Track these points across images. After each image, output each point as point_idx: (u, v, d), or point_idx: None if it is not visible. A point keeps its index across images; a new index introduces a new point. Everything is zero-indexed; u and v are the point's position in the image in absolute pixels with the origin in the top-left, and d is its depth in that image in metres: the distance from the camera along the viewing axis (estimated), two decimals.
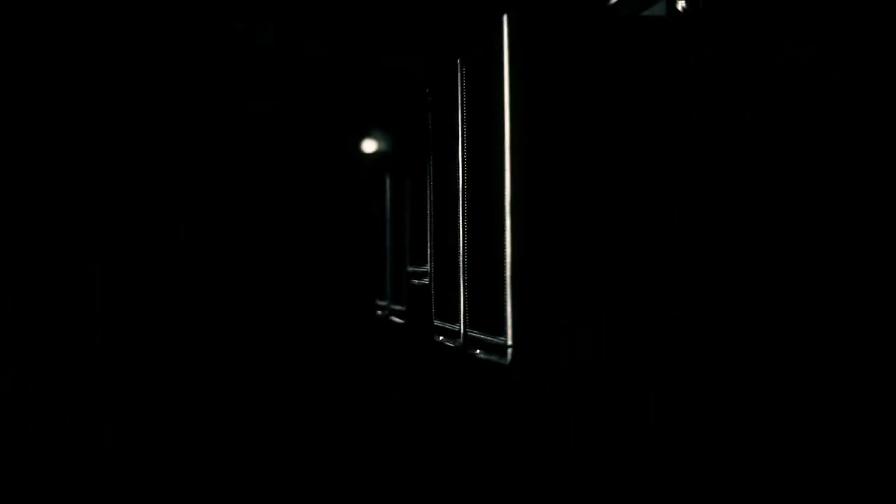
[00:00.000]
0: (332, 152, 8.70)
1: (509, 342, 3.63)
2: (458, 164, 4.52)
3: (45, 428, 7.58)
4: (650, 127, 3.71)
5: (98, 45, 8.05)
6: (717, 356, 3.69)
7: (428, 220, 5.33)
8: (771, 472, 3.68)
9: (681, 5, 4.25)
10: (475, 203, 4.28)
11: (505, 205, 3.64)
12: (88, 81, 8.10)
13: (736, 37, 3.78)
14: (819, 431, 3.70)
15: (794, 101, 3.75)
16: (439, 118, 5.10)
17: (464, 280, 4.46)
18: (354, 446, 7.76)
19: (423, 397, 5.82)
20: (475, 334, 4.22)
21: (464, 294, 4.46)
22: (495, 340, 3.81)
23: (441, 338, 4.97)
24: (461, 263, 4.50)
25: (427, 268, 5.40)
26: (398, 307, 6.72)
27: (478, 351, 4.13)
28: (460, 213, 4.49)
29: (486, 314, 4.01)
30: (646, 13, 4.65)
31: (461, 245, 4.50)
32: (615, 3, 5.00)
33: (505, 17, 3.67)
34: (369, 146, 8.13)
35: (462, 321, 4.48)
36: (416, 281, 5.76)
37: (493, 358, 3.84)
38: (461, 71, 4.47)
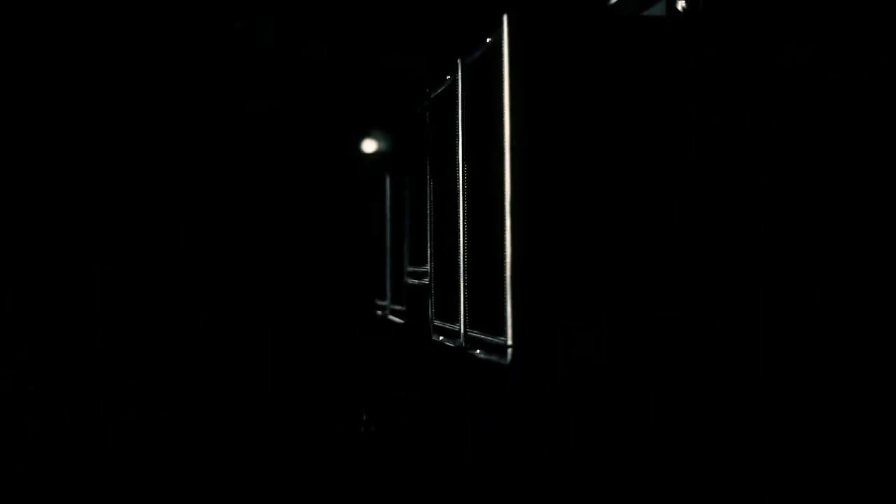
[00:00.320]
0: (332, 152, 8.70)
1: (509, 342, 3.63)
2: (458, 164, 4.52)
3: (45, 428, 7.58)
4: (650, 127, 3.71)
5: (98, 45, 8.05)
6: (717, 356, 3.69)
7: (428, 220, 5.33)
8: (771, 471, 3.68)
9: (681, 5, 4.26)
10: (475, 203, 4.28)
11: (505, 205, 3.64)
12: (89, 81, 8.10)
13: (736, 37, 3.78)
14: (819, 431, 3.70)
15: (794, 101, 3.75)
16: (439, 118, 5.10)
17: (464, 280, 4.46)
18: (354, 446, 7.75)
19: (422, 397, 5.82)
20: (475, 334, 4.22)
21: (464, 294, 4.47)
22: (495, 340, 3.81)
23: (441, 338, 4.97)
24: (461, 263, 4.50)
25: (427, 268, 5.40)
26: (398, 307, 6.72)
27: (478, 351, 4.13)
28: (460, 213, 4.49)
29: (486, 314, 4.01)
30: (646, 13, 4.65)
31: (461, 245, 4.50)
32: (615, 3, 5.00)
33: (505, 17, 3.67)
34: (369, 146, 8.13)
35: (462, 321, 4.48)
36: (416, 281, 5.76)
37: (493, 358, 3.84)
38: (461, 71, 4.47)
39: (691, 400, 3.67)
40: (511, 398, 3.74)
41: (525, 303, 3.61)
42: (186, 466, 6.95)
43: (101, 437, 7.39)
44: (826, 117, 3.75)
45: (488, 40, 3.90)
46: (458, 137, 4.52)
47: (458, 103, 4.53)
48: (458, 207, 4.53)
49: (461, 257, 4.50)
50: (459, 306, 4.51)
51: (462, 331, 4.47)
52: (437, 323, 5.11)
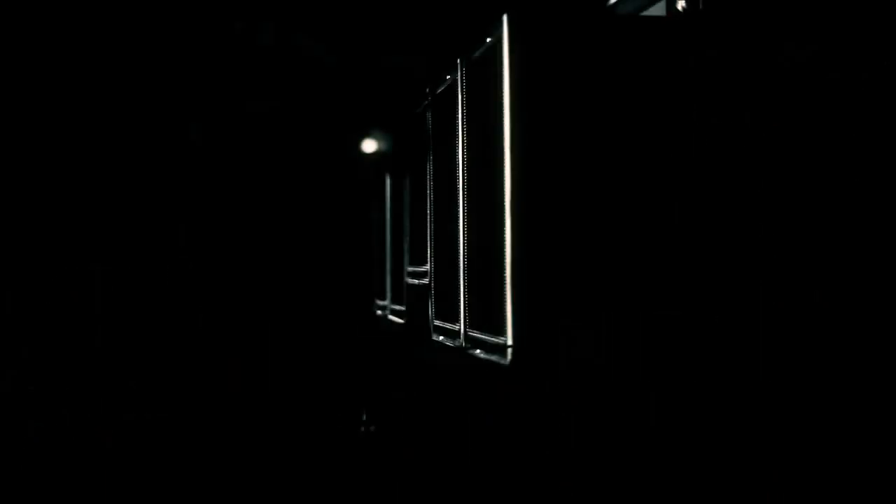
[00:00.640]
0: (332, 152, 8.69)
1: (509, 342, 3.62)
2: (459, 163, 4.52)
3: (45, 428, 7.58)
4: (650, 127, 3.71)
5: (99, 45, 8.05)
6: (717, 356, 3.69)
7: (428, 220, 5.34)
8: (771, 471, 3.68)
9: (681, 5, 4.26)
10: (475, 203, 4.28)
11: (505, 205, 3.64)
12: (89, 81, 8.10)
13: (736, 37, 3.78)
14: (818, 431, 3.70)
15: (794, 101, 3.75)
16: (439, 118, 5.10)
17: (464, 280, 4.46)
18: (354, 446, 7.75)
19: (423, 397, 5.82)
20: (475, 334, 4.22)
21: (464, 294, 4.47)
22: (495, 340, 3.81)
23: (441, 338, 4.97)
24: (461, 263, 4.50)
25: (427, 267, 5.40)
26: (398, 307, 6.72)
27: (478, 351, 4.13)
28: (460, 213, 4.50)
29: (486, 314, 4.01)
30: (646, 13, 4.65)
31: (461, 245, 4.50)
32: (615, 3, 5.00)
33: (505, 17, 3.67)
34: (369, 146, 8.12)
35: (462, 321, 4.48)
36: (416, 281, 5.76)
37: (493, 358, 3.84)
38: (461, 71, 4.47)
39: (692, 400, 3.67)
40: (511, 398, 3.74)
41: (525, 303, 3.61)
42: (186, 466, 6.95)
43: (101, 437, 7.39)
44: (826, 117, 3.75)
45: (488, 40, 3.90)
46: (459, 137, 4.52)
47: (458, 103, 4.53)
48: (458, 207, 4.53)
49: (461, 257, 4.50)
50: (459, 306, 4.51)
51: (462, 331, 4.47)
52: (437, 323, 5.11)
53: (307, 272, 8.62)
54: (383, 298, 7.44)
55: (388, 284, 7.28)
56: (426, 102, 5.39)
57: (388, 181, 7.37)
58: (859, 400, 3.70)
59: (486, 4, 4.59)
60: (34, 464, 6.77)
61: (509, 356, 3.63)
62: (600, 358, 3.64)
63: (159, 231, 8.23)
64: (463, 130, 4.48)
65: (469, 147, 4.40)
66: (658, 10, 4.51)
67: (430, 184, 5.31)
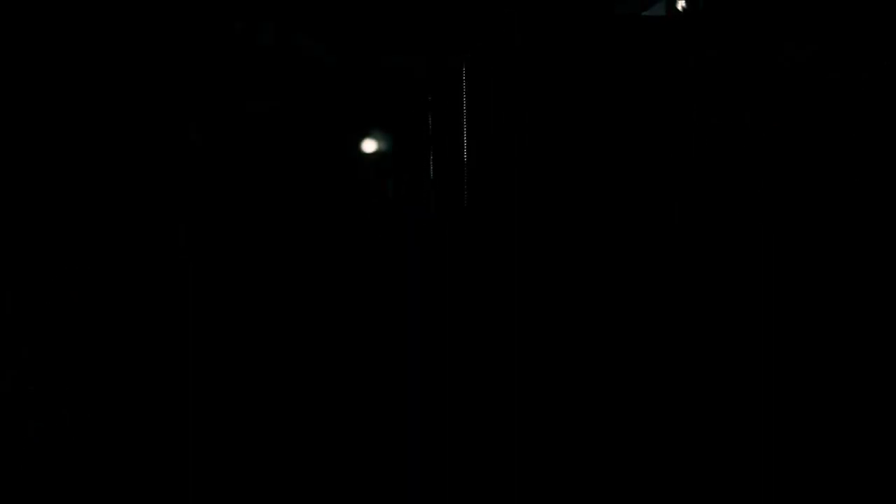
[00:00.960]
0: (332, 152, 8.70)
1: None
2: (459, 163, 4.52)
3: (45, 428, 7.59)
4: (650, 127, 3.72)
5: (99, 45, 8.06)
6: (718, 356, 3.69)
7: None
8: (770, 471, 3.68)
9: (681, 5, 4.26)
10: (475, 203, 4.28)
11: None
12: (89, 81, 8.10)
13: (736, 37, 3.78)
14: (819, 431, 3.70)
15: (794, 101, 3.75)
16: (440, 118, 5.10)
17: None
18: (355, 446, 7.76)
19: (423, 396, 5.82)
20: None
21: None
22: None
23: None
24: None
25: None
26: None
27: None
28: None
29: None
30: (646, 13, 4.66)
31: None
32: (615, 3, 5.00)
33: (505, 17, 3.67)
34: (369, 146, 8.13)
35: None
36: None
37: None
38: (462, 70, 4.47)
39: (692, 400, 3.67)
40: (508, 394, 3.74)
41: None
42: (187, 466, 6.96)
43: (101, 437, 7.39)
44: (826, 117, 3.75)
45: (489, 40, 3.90)
46: (460, 136, 4.52)
47: (458, 103, 4.53)
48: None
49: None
50: None
51: None
52: None
53: (307, 272, 8.62)
54: None
55: None
56: (426, 102, 5.39)
57: (388, 181, 7.37)
58: (859, 399, 3.70)
59: (486, 4, 4.59)
60: (34, 464, 6.78)
61: None
62: (600, 357, 3.64)
63: (159, 231, 8.24)
64: (463, 130, 4.48)
65: (470, 147, 4.39)
66: (658, 10, 4.51)
67: (429, 183, 5.30)
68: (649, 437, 3.66)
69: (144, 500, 5.86)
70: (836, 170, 3.74)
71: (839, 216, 3.74)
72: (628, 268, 3.69)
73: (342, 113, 8.59)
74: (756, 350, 3.70)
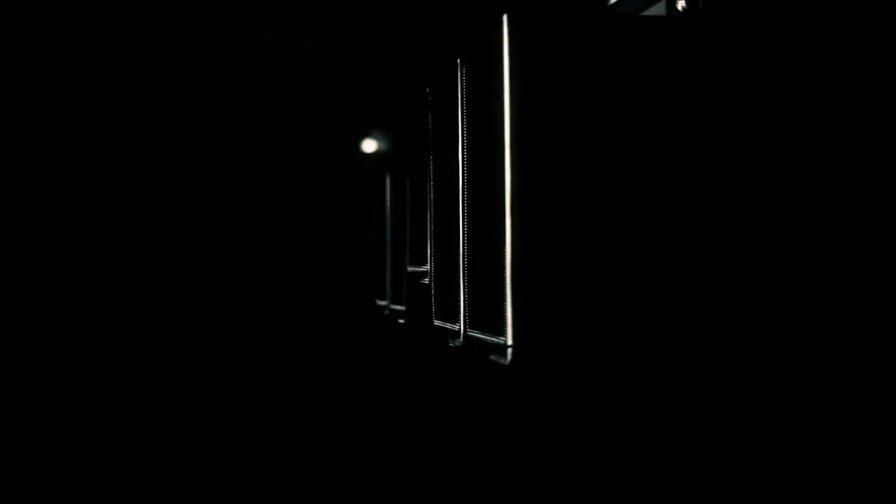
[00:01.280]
0: (332, 152, 8.70)
1: (509, 342, 3.63)
2: (458, 163, 4.52)
3: (45, 428, 7.58)
4: (650, 126, 3.72)
5: (99, 45, 8.05)
6: (720, 356, 3.69)
7: (428, 220, 5.34)
8: (770, 471, 3.68)
9: (681, 5, 4.26)
10: (475, 203, 4.28)
11: (505, 205, 3.64)
12: (89, 81, 8.10)
13: (736, 37, 3.78)
14: (819, 431, 3.70)
15: (794, 101, 3.76)
16: (439, 118, 5.10)
17: (464, 280, 4.46)
18: (354, 446, 7.76)
19: (422, 397, 5.83)
20: (475, 334, 4.22)
21: (464, 294, 4.47)
22: (495, 340, 3.81)
23: (441, 338, 4.98)
24: (461, 263, 4.50)
25: (427, 267, 5.40)
26: (398, 307, 6.72)
27: (478, 351, 4.13)
28: (460, 213, 4.50)
29: (486, 314, 4.01)
30: (646, 13, 4.66)
31: (461, 245, 4.50)
32: (615, 3, 5.00)
33: (505, 17, 3.67)
34: (369, 146, 8.13)
35: (462, 321, 4.48)
36: (416, 281, 5.77)
37: (493, 358, 3.85)
38: (461, 71, 4.47)
39: (692, 400, 3.67)
40: (511, 398, 3.74)
41: (525, 303, 3.62)
42: (187, 466, 6.95)
43: (101, 437, 7.38)
44: (826, 117, 3.75)
45: (488, 40, 3.91)
46: (459, 137, 4.52)
47: (458, 103, 4.53)
48: (458, 207, 4.53)
49: (461, 257, 4.50)
50: (459, 306, 4.51)
51: (462, 331, 4.47)
52: (437, 323, 5.11)
53: (307, 272, 8.62)
54: (383, 298, 7.44)
55: (388, 284, 7.29)
56: (426, 102, 5.39)
57: (388, 181, 7.37)
58: (859, 400, 3.70)
59: (486, 4, 4.59)
60: (34, 464, 6.77)
61: (509, 356, 3.63)
62: (601, 359, 3.64)
63: (159, 231, 8.23)
64: (463, 130, 4.48)
65: (469, 147, 4.40)
66: (658, 10, 4.51)
67: (430, 183, 5.31)
68: (650, 438, 3.66)
69: (144, 499, 5.86)
70: (836, 170, 3.74)
71: (839, 216, 3.74)
72: (628, 268, 3.69)
73: (342, 113, 8.57)
74: (756, 350, 3.70)
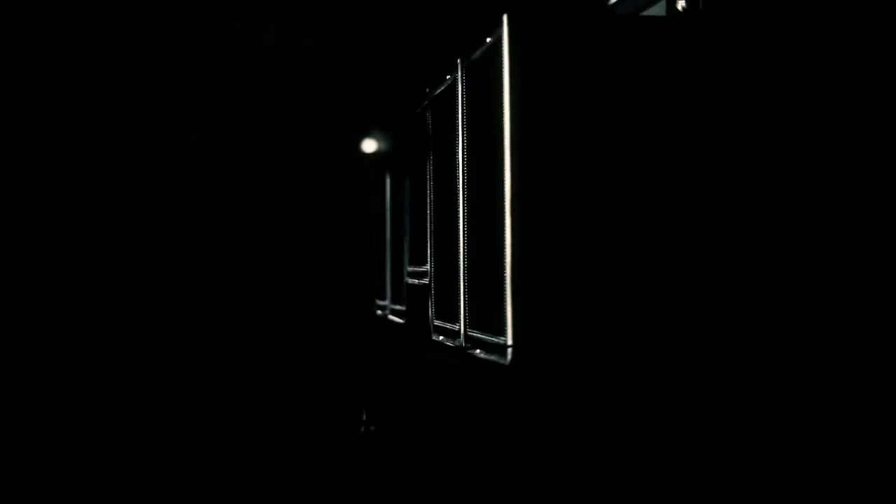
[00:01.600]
0: (332, 152, 8.69)
1: (509, 342, 3.63)
2: (459, 163, 4.52)
3: (45, 428, 7.58)
4: (650, 126, 3.72)
5: (99, 44, 8.05)
6: (721, 357, 3.69)
7: (428, 219, 5.33)
8: (770, 472, 3.68)
9: (681, 5, 4.26)
10: (475, 203, 4.28)
11: (505, 204, 3.64)
12: (89, 81, 8.10)
13: (736, 37, 3.78)
14: (819, 432, 3.70)
15: (794, 101, 3.76)
16: (439, 117, 5.10)
17: (464, 280, 4.46)
18: (354, 446, 7.76)
19: (422, 397, 5.82)
20: (475, 334, 4.22)
21: (464, 294, 4.47)
22: (495, 340, 3.81)
23: (441, 338, 4.97)
24: (461, 263, 4.50)
25: (427, 268, 5.40)
26: (398, 307, 6.72)
27: (478, 351, 4.13)
28: (460, 212, 4.50)
29: (486, 314, 4.01)
30: (646, 13, 4.66)
31: (461, 245, 4.50)
32: (615, 3, 5.00)
33: (505, 17, 3.67)
34: (369, 146, 8.12)
35: (462, 321, 4.48)
36: (416, 281, 5.76)
37: (493, 358, 3.85)
38: (461, 71, 4.47)
39: (692, 400, 3.67)
40: (511, 398, 3.74)
41: (525, 303, 3.62)
42: (187, 466, 6.96)
43: (101, 437, 7.38)
44: (826, 117, 3.76)
45: (488, 40, 3.91)
46: (459, 137, 4.52)
47: (458, 103, 4.53)
48: (458, 207, 4.53)
49: (461, 257, 4.50)
50: (459, 306, 4.51)
51: (462, 330, 4.47)
52: (437, 323, 5.11)
53: (307, 272, 8.62)
54: (383, 298, 7.44)
55: (388, 284, 7.28)
56: (426, 102, 5.39)
57: (388, 181, 7.37)
58: (859, 401, 3.70)
59: (486, 4, 4.59)
60: (34, 464, 6.77)
61: (509, 356, 3.63)
62: (600, 358, 3.64)
63: (159, 231, 8.23)
64: (463, 130, 4.48)
65: (469, 147, 4.40)
66: (658, 10, 4.52)
67: (430, 184, 5.31)
68: (649, 439, 3.66)
69: (144, 499, 5.86)
70: (835, 169, 3.74)
71: (839, 216, 3.74)
72: (628, 268, 3.68)
73: (342, 113, 8.56)
74: (755, 349, 3.69)
